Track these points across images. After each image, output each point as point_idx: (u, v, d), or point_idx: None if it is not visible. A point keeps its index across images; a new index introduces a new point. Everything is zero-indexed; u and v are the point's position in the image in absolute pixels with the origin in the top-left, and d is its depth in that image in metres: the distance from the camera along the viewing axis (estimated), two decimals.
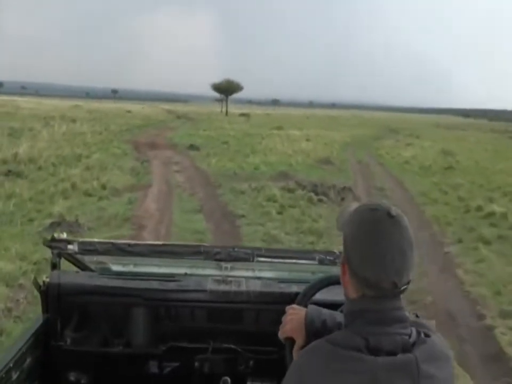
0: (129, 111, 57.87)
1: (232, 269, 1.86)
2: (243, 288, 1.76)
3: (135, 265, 2.05)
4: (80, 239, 1.83)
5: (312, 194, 10.71)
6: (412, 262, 0.92)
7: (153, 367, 1.80)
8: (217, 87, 76.88)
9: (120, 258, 1.96)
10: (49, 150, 15.54)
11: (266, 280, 1.89)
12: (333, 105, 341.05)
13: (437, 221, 9.08)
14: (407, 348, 0.90)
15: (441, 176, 15.32)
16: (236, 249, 1.80)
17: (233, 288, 1.75)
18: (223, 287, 1.75)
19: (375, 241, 0.91)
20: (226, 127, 37.64)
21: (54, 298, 1.71)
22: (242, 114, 68.65)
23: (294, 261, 1.88)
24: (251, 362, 1.77)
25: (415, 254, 0.93)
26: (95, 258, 1.96)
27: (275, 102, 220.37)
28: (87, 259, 1.96)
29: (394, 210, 0.94)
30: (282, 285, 1.80)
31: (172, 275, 1.88)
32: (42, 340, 1.69)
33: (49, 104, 71.81)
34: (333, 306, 1.33)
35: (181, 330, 1.79)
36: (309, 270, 1.97)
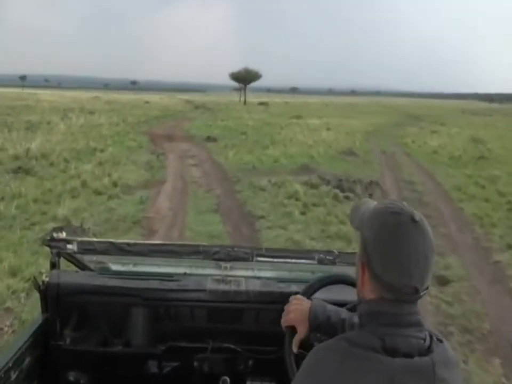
0: (147, 102, 57.54)
1: (231, 268, 1.85)
2: (242, 287, 1.74)
3: (135, 264, 2.02)
4: (79, 239, 1.77)
5: (337, 190, 9.82)
6: (433, 267, 0.92)
7: (152, 366, 1.77)
8: (236, 76, 75.85)
9: (120, 257, 1.94)
10: (63, 143, 15.04)
11: (265, 279, 1.87)
12: (352, 92, 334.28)
13: (479, 221, 8.10)
14: (423, 352, 0.90)
15: (475, 167, 14.16)
16: (235, 249, 1.77)
17: (233, 287, 1.73)
18: (222, 287, 1.73)
19: (399, 246, 0.90)
20: (245, 117, 36.78)
21: (53, 298, 1.68)
22: (261, 103, 67.92)
23: (293, 260, 1.84)
24: (250, 362, 1.74)
25: (435, 259, 0.93)
26: (95, 257, 1.94)
27: (294, 90, 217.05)
28: (87, 258, 1.93)
29: (418, 215, 0.93)
30: (281, 285, 1.79)
31: (171, 275, 1.86)
32: (42, 339, 1.67)
33: (69, 96, 72.16)
34: (336, 305, 1.33)
35: (181, 330, 1.77)
36: (309, 269, 1.96)
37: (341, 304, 1.34)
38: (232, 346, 1.73)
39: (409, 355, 0.88)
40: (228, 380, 1.66)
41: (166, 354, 1.76)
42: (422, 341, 0.91)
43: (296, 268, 2.02)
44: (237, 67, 78.62)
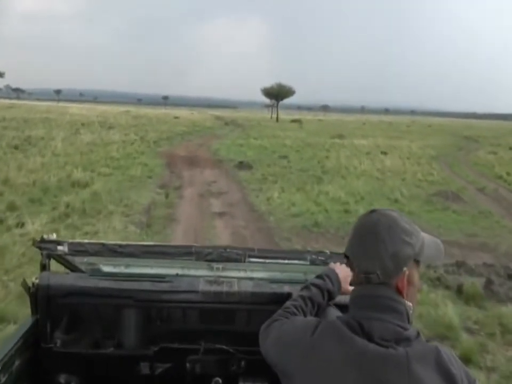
0: (176, 117, 53.95)
1: (223, 269, 1.81)
2: (235, 288, 1.68)
3: (126, 266, 1.94)
4: (70, 240, 1.70)
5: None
6: (389, 251, 0.94)
7: (144, 368, 1.71)
8: (268, 92, 71.53)
9: (111, 259, 1.87)
10: (39, 172, 10.53)
11: (258, 280, 1.80)
12: (386, 111, 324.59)
13: None
14: (400, 341, 0.88)
15: None
16: (227, 250, 1.72)
17: (225, 288, 1.67)
18: (214, 288, 1.67)
19: (358, 233, 1.00)
20: (280, 135, 32.04)
21: (44, 300, 1.63)
22: (294, 121, 63.74)
23: (285, 261, 1.79)
24: (243, 363, 1.70)
25: (392, 247, 0.95)
26: (85, 259, 1.87)
27: (325, 108, 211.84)
28: (77, 260, 1.86)
29: (379, 208, 1.02)
30: (274, 285, 1.73)
31: (163, 276, 1.77)
32: (32, 341, 1.61)
33: (100, 110, 69.50)
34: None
35: (173, 331, 1.72)
36: (301, 270, 1.89)
37: (341, 304, 1.35)
38: (224, 347, 1.67)
39: (385, 340, 0.87)
40: (220, 381, 1.65)
41: (158, 356, 1.68)
42: (401, 329, 0.89)
43: (288, 268, 1.93)
44: (268, 84, 74.25)
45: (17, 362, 1.49)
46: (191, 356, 1.69)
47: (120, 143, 19.64)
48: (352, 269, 1.01)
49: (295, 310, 1.18)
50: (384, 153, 22.14)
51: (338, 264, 1.39)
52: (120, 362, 1.69)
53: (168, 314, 1.72)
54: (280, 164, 15.93)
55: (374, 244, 0.95)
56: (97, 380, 1.71)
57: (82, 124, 31.86)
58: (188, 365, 1.70)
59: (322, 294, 1.28)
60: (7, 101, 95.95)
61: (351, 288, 1.11)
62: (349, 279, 1.21)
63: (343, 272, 1.33)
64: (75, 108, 68.22)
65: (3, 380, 1.40)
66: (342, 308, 1.28)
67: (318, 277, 1.34)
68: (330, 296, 1.30)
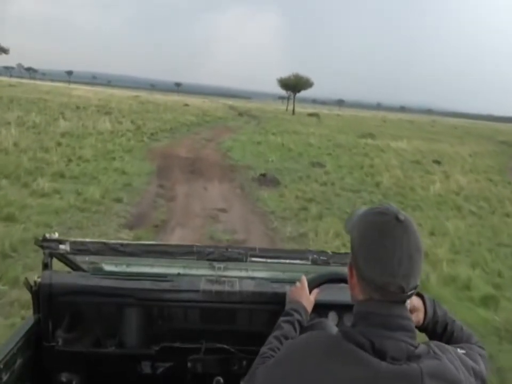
0: (186, 105, 49.32)
1: (225, 269, 1.76)
2: (236, 288, 1.65)
3: (128, 265, 1.88)
4: (72, 239, 1.63)
5: None
6: (420, 267, 0.87)
7: (146, 367, 1.67)
8: (285, 83, 66.31)
9: (113, 258, 1.82)
10: None
11: (259, 280, 1.77)
12: (402, 108, 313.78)
13: None
14: (412, 358, 0.84)
15: None
16: (229, 249, 1.68)
17: (226, 288, 1.64)
18: (216, 287, 1.64)
19: (382, 244, 0.86)
20: (301, 131, 27.30)
21: (46, 299, 1.58)
22: (311, 114, 58.96)
23: (287, 261, 1.73)
24: (244, 363, 1.64)
25: (422, 259, 0.88)
26: (87, 258, 1.80)
27: (340, 103, 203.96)
28: (79, 259, 1.79)
29: (403, 215, 0.89)
30: (275, 285, 1.69)
31: (165, 275, 1.75)
32: (34, 340, 1.56)
33: (107, 93, 64.97)
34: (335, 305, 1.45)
35: (174, 331, 1.67)
36: (302, 270, 1.79)
37: (341, 305, 1.38)
38: (225, 346, 1.63)
39: (396, 359, 0.82)
40: (221, 380, 1.62)
41: (159, 355, 1.65)
42: (412, 347, 0.85)
43: (289, 268, 1.89)
44: (282, 75, 68.88)
45: (19, 361, 1.45)
46: (193, 355, 1.64)
47: (106, 134, 15.07)
48: (361, 280, 0.89)
49: (272, 353, 1.11)
50: (437, 162, 17.36)
51: (292, 289, 1.40)
52: (122, 361, 1.65)
53: (169, 314, 1.66)
54: (316, 176, 11.27)
55: (413, 257, 0.86)
56: (98, 378, 1.68)
57: (77, 107, 27.36)
58: (189, 364, 1.65)
59: (294, 328, 1.24)
60: (13, 80, 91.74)
61: (313, 297, 1.37)
62: (307, 293, 1.36)
63: (301, 294, 1.36)
64: (82, 90, 63.77)
65: (5, 378, 1.36)
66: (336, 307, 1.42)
67: (285, 314, 1.30)
68: (301, 325, 1.27)
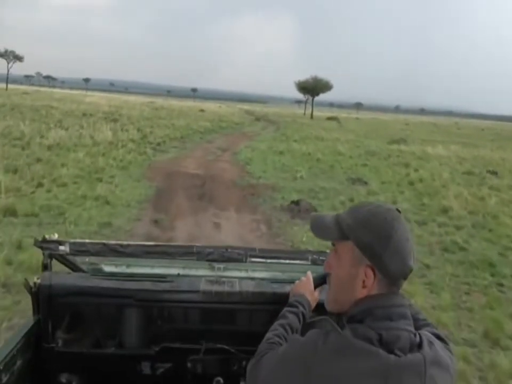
0: (202, 110, 47.21)
1: (225, 269, 1.77)
2: (236, 288, 1.61)
3: (128, 266, 1.88)
4: (72, 240, 1.60)
5: None
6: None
7: (145, 368, 1.64)
8: (303, 86, 63.63)
9: (112, 259, 1.81)
10: None
11: (259, 280, 1.74)
12: (421, 111, 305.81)
13: None
14: (414, 346, 0.87)
15: None
16: (229, 250, 1.65)
17: (226, 288, 1.61)
18: (216, 288, 1.60)
19: (400, 236, 0.90)
20: (325, 137, 24.71)
21: (45, 300, 1.55)
22: (330, 118, 56.47)
23: (287, 261, 1.71)
24: (244, 363, 1.59)
25: None
26: (87, 259, 1.81)
27: (358, 106, 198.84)
28: (79, 260, 1.79)
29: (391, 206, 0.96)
30: (275, 285, 1.66)
31: (165, 276, 1.73)
32: (33, 341, 1.54)
33: (121, 100, 63.38)
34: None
35: (174, 331, 1.64)
36: (302, 270, 1.72)
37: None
38: (225, 347, 1.60)
39: (402, 349, 0.84)
40: (221, 381, 1.61)
41: (159, 356, 1.62)
42: (413, 335, 0.88)
43: (289, 268, 1.89)
44: (298, 79, 66.06)
45: (18, 362, 1.43)
46: (192, 355, 1.62)
47: (103, 146, 12.71)
48: (384, 276, 0.90)
49: (278, 340, 1.11)
50: (493, 173, 14.49)
51: (297, 282, 1.39)
52: (122, 362, 1.63)
53: (169, 314, 1.63)
54: (361, 199, 8.61)
55: (411, 240, 0.92)
56: (98, 379, 1.65)
57: (83, 114, 25.29)
58: (189, 364, 1.63)
59: (299, 319, 1.24)
60: (31, 88, 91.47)
61: (316, 294, 1.34)
62: (312, 288, 1.34)
63: (306, 288, 1.34)
64: (96, 97, 62.30)
65: (4, 379, 1.34)
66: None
67: (290, 305, 1.28)
68: (304, 318, 1.27)
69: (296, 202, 7.31)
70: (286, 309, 1.26)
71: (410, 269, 0.89)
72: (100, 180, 8.21)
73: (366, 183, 10.59)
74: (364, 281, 0.91)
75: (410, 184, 11.07)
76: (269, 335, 1.14)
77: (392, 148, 20.94)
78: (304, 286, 1.35)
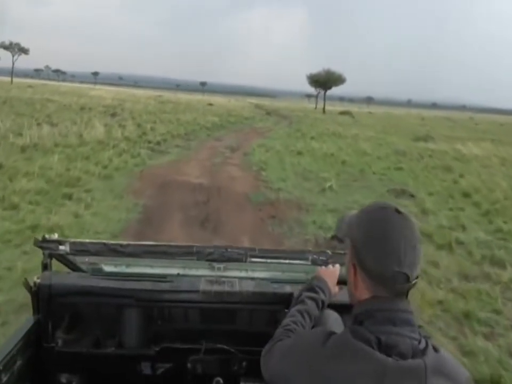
0: (210, 104, 45.00)
1: (225, 269, 1.75)
2: (236, 288, 1.61)
3: (127, 265, 1.88)
4: (72, 240, 1.58)
5: None
6: (421, 256, 0.88)
7: (145, 368, 1.64)
8: (315, 79, 60.88)
9: (112, 258, 1.81)
10: None
11: (259, 280, 1.74)
12: (433, 105, 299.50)
13: None
14: (417, 353, 0.84)
15: None
16: (228, 250, 1.63)
17: (226, 288, 1.60)
18: (215, 288, 1.60)
19: (388, 237, 0.86)
20: (343, 133, 22.41)
21: (45, 299, 1.55)
22: (343, 113, 53.91)
23: (287, 261, 1.70)
24: (244, 363, 1.63)
25: (422, 249, 0.88)
26: (87, 259, 1.79)
27: (369, 100, 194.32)
28: (79, 260, 1.78)
29: (401, 209, 0.92)
30: (275, 285, 1.67)
31: (164, 276, 1.73)
32: (33, 341, 1.54)
33: (128, 93, 61.38)
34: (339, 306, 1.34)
35: (174, 331, 1.65)
36: (302, 270, 1.84)
37: (342, 305, 1.28)
38: (225, 347, 1.60)
39: (403, 355, 0.82)
40: (221, 381, 1.60)
41: (159, 356, 1.62)
42: (416, 342, 0.85)
43: (289, 268, 1.88)
44: (308, 72, 63.43)
45: (18, 362, 1.42)
46: (192, 355, 1.62)
47: (91, 146, 10.62)
48: (368, 277, 0.89)
49: (295, 326, 1.09)
50: None
51: (324, 268, 1.34)
52: (122, 362, 1.62)
53: (169, 314, 1.65)
54: (419, 225, 6.42)
55: (416, 246, 0.87)
56: (98, 379, 1.65)
57: (81, 109, 23.29)
58: (189, 364, 1.63)
59: (317, 306, 1.20)
60: (39, 81, 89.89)
61: (337, 288, 1.29)
62: (335, 281, 1.30)
63: (331, 277, 1.30)
64: (103, 91, 60.32)
65: (4, 379, 1.33)
66: (336, 307, 1.30)
67: (310, 289, 1.23)
68: (323, 306, 1.23)
69: (340, 240, 5.12)
70: (305, 293, 1.21)
71: (392, 272, 0.84)
72: (69, 197, 6.10)
73: (412, 194, 8.36)
74: (354, 279, 0.92)
75: (465, 197, 8.83)
76: (286, 321, 1.12)
77: (419, 146, 18.64)
78: (330, 275, 1.29)
